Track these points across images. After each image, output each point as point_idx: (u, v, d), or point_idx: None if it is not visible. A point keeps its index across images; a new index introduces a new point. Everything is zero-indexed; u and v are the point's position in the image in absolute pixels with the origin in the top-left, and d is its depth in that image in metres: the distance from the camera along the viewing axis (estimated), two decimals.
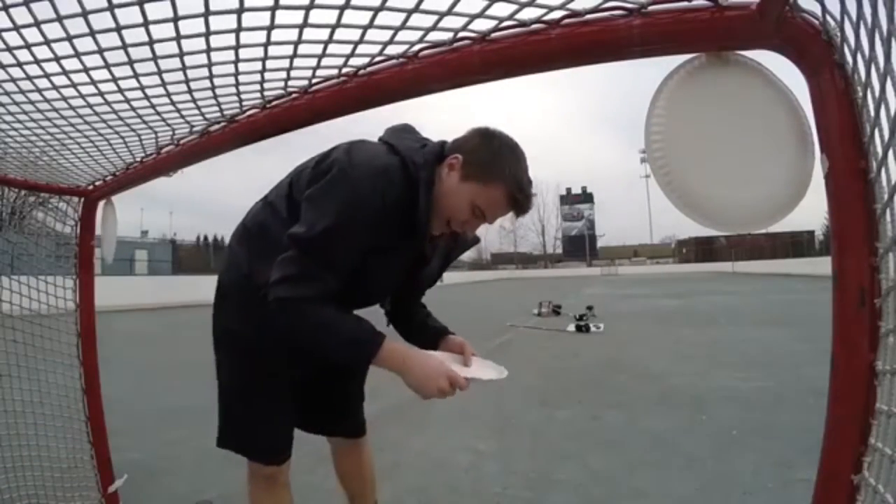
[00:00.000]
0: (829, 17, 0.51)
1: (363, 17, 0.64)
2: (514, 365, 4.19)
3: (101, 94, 0.83)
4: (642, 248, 62.41)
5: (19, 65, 0.71)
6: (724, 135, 0.60)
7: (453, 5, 0.61)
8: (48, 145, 1.11)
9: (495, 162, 0.92)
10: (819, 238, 38.31)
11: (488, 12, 0.63)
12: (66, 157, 1.20)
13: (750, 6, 0.54)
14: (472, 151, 0.94)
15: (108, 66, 0.73)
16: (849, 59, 0.50)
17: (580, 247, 58.49)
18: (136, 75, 0.76)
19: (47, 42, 0.65)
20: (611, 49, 0.62)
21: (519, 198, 0.93)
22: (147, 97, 0.85)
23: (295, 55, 0.72)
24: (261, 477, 1.11)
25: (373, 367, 0.92)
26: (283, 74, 0.80)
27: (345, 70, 0.78)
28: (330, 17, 0.63)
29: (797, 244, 34.51)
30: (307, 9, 0.62)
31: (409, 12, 0.62)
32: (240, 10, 0.61)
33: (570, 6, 0.61)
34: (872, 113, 0.48)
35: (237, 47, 0.70)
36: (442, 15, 0.63)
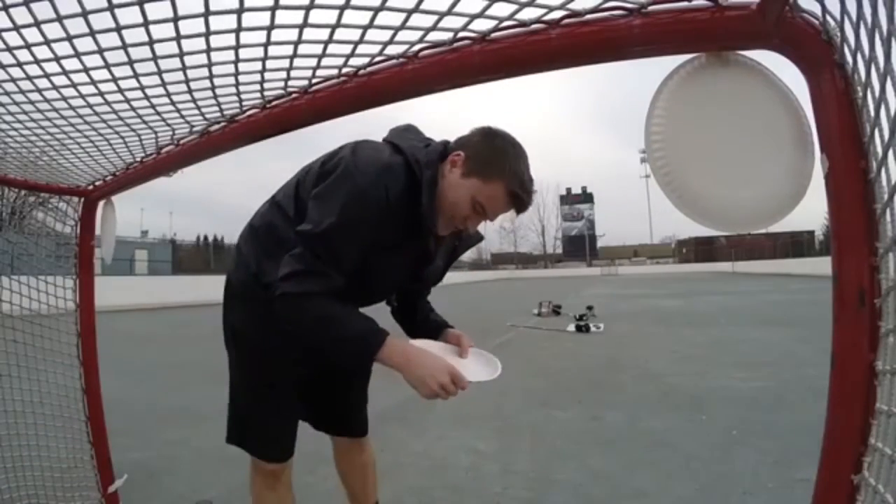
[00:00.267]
0: (829, 17, 0.51)
1: (363, 17, 0.63)
2: (515, 365, 4.23)
3: (101, 94, 0.83)
4: (642, 248, 62.44)
5: (19, 65, 0.71)
6: (724, 135, 0.60)
7: (453, 5, 0.61)
8: (48, 145, 1.11)
9: (497, 158, 0.93)
10: (819, 238, 38.34)
11: (488, 12, 0.63)
12: (65, 157, 1.20)
13: (750, 6, 0.54)
14: (475, 148, 0.96)
15: (108, 66, 0.72)
16: (849, 58, 0.50)
17: (580, 247, 58.53)
18: (136, 75, 0.76)
19: (47, 42, 0.65)
20: (611, 49, 0.62)
21: (519, 194, 0.94)
22: (147, 97, 0.85)
23: (295, 55, 0.72)
24: (264, 474, 1.12)
25: (375, 367, 0.93)
26: (283, 74, 0.79)
27: (345, 70, 0.78)
28: (330, 17, 0.63)
29: (797, 244, 34.52)
30: (307, 9, 0.62)
31: (409, 12, 0.62)
32: (240, 10, 0.61)
33: (570, 6, 0.61)
34: (872, 113, 0.48)
35: (237, 47, 0.69)
36: (442, 15, 0.63)
